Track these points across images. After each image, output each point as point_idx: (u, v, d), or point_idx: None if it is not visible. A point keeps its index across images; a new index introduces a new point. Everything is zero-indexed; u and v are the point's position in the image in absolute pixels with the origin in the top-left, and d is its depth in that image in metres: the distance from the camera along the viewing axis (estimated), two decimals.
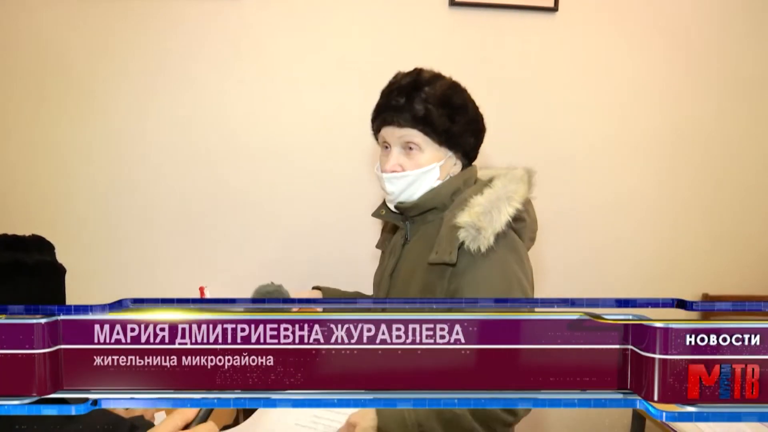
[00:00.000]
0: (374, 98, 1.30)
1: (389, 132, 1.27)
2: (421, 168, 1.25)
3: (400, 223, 1.34)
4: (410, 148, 1.25)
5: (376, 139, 1.34)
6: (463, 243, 1.14)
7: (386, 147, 1.30)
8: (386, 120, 1.26)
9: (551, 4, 2.05)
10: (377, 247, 1.50)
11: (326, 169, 2.02)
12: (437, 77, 1.27)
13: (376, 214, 1.41)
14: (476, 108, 1.30)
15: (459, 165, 1.31)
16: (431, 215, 1.28)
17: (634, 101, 2.24)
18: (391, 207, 1.33)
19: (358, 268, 2.04)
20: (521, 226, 1.23)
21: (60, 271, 1.09)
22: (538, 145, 2.16)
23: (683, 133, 2.32)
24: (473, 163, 1.35)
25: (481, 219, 1.14)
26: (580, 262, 2.32)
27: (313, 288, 1.56)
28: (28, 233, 1.11)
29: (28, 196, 1.82)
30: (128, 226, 1.90)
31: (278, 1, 1.87)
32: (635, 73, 2.21)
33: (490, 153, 1.47)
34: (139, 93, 1.83)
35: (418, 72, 1.28)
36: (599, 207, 2.29)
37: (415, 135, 1.24)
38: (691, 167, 2.36)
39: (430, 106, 1.22)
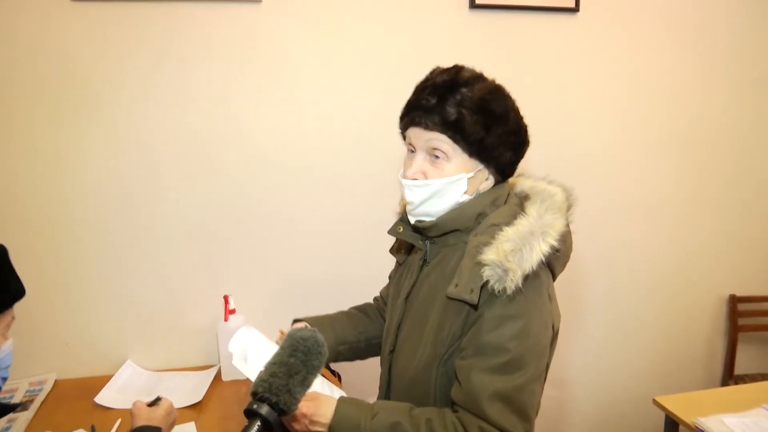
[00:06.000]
0: (395, 102, 1.21)
1: (416, 134, 1.14)
2: (447, 178, 1.12)
3: (419, 243, 1.23)
4: (436, 156, 1.12)
5: (403, 138, 1.21)
6: (487, 282, 1.04)
7: (411, 150, 1.17)
8: (414, 120, 1.13)
9: (572, 5, 2.04)
10: (391, 251, 1.44)
11: (346, 176, 2.01)
12: (478, 78, 1.13)
13: (392, 232, 1.29)
14: (519, 118, 1.17)
15: (491, 180, 1.17)
16: (453, 238, 1.17)
17: (658, 101, 2.22)
18: (411, 219, 1.20)
19: (378, 277, 2.04)
20: (555, 257, 1.10)
21: None
22: (559, 146, 2.15)
23: (709, 133, 2.30)
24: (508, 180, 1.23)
25: (509, 258, 1.03)
26: (605, 261, 2.31)
27: (295, 321, 1.43)
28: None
29: (41, 207, 1.82)
30: (146, 236, 1.90)
31: (296, 5, 1.86)
32: (658, 73, 2.20)
33: None
34: (154, 101, 1.83)
35: (457, 70, 1.14)
36: (623, 207, 2.28)
37: (443, 141, 1.11)
38: (717, 167, 2.34)
39: (463, 111, 1.08)
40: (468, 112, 1.08)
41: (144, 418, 1.21)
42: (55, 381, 1.87)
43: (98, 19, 1.75)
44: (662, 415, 1.72)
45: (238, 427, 1.66)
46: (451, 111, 1.08)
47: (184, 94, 1.84)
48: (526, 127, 1.18)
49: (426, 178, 1.13)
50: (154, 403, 1.29)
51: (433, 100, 1.10)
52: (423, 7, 1.95)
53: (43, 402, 1.73)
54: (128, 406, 1.69)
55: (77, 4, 1.72)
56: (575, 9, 2.05)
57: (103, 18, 1.75)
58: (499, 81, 1.17)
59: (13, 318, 1.07)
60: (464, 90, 1.09)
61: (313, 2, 1.88)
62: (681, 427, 1.68)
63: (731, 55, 2.25)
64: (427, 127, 1.11)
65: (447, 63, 1.22)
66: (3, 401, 0.98)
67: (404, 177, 1.16)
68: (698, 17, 2.19)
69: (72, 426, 1.58)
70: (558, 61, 2.10)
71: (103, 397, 1.74)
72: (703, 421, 1.56)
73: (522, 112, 1.18)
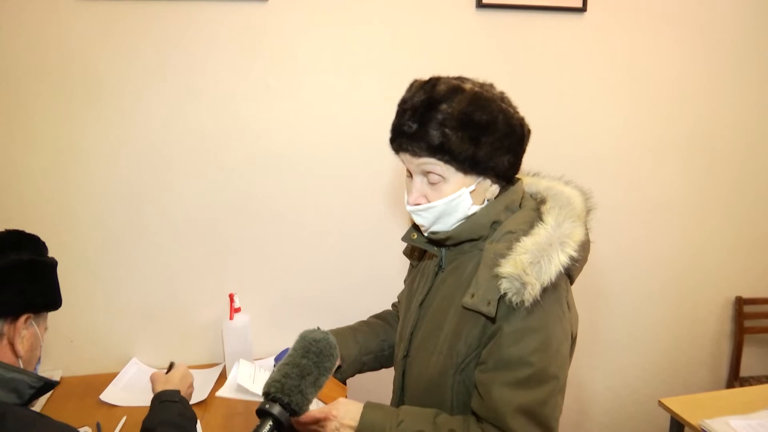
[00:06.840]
0: None
1: (407, 159, 1.12)
2: (447, 197, 1.10)
3: (434, 250, 1.21)
4: (432, 179, 1.10)
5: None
6: (504, 294, 1.01)
7: (409, 173, 1.15)
8: (401, 146, 1.11)
9: (579, 5, 2.03)
10: (404, 253, 1.43)
11: (352, 175, 2.00)
12: (455, 90, 1.06)
13: (406, 239, 1.27)
14: (509, 117, 1.09)
15: (496, 186, 1.14)
16: (468, 245, 1.15)
17: (665, 101, 2.21)
18: (426, 235, 1.20)
19: (385, 276, 2.05)
20: (574, 266, 1.07)
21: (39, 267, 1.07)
22: (566, 147, 2.15)
23: (716, 134, 2.29)
24: (518, 178, 1.20)
25: (528, 272, 1.00)
26: (612, 262, 2.30)
27: None
28: (51, 241, 1.13)
29: (46, 205, 1.82)
30: (151, 234, 1.90)
31: (302, 4, 1.86)
32: (665, 73, 2.19)
33: None
34: (161, 99, 1.83)
35: (433, 84, 1.08)
36: (629, 208, 2.27)
37: (434, 164, 1.08)
38: (723, 168, 2.33)
39: (447, 131, 1.04)
40: (452, 131, 1.04)
41: (161, 383, 1.26)
42: (61, 378, 1.88)
43: (104, 18, 1.75)
44: (668, 416, 1.71)
45: (243, 425, 1.67)
46: (435, 134, 1.04)
47: (190, 93, 1.84)
48: (521, 120, 1.12)
49: (428, 201, 1.12)
50: (169, 370, 1.33)
51: (414, 125, 1.06)
52: (429, 7, 1.94)
53: (48, 399, 1.74)
54: (133, 403, 1.71)
55: (83, 3, 1.72)
56: (582, 9, 2.04)
57: (109, 16, 1.75)
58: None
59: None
60: (443, 107, 1.04)
61: (320, 1, 1.87)
62: (687, 429, 1.67)
63: (739, 55, 2.24)
64: (415, 154, 1.08)
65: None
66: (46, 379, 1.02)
67: (407, 203, 1.15)
68: (706, 18, 2.18)
69: (77, 423, 1.58)
70: (564, 61, 2.09)
71: (108, 395, 1.75)
72: (709, 423, 1.55)
73: (527, 112, 1.15)
